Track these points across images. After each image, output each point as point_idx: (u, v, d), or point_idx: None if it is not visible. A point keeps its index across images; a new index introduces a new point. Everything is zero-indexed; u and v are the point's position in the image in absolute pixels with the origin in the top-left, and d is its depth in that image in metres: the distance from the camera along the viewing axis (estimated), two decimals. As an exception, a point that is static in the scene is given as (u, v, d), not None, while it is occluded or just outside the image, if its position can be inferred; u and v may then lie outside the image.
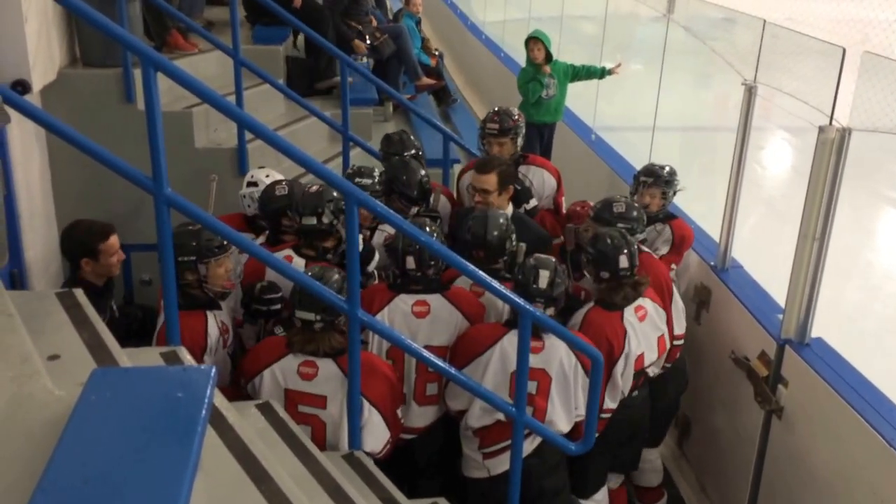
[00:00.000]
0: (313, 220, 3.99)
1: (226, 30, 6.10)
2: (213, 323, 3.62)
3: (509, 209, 4.62)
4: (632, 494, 4.91)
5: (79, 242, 4.01)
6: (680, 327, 4.48)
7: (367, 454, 3.43)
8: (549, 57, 6.98)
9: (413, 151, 4.98)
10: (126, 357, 2.39)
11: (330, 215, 3.98)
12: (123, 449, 1.48)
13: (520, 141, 5.11)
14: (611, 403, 4.03)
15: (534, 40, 6.96)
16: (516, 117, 5.12)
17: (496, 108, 5.17)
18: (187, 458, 1.47)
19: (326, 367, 3.38)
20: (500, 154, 4.97)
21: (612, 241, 3.99)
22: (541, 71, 6.92)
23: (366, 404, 3.39)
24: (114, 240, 3.99)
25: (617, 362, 3.97)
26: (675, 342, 4.44)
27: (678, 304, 4.51)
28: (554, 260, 3.84)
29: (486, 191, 4.52)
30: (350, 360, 3.22)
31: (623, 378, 4.03)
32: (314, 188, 4.05)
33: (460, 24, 13.63)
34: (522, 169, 5.10)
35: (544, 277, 3.69)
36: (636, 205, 4.50)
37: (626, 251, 3.98)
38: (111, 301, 4.20)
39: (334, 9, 7.18)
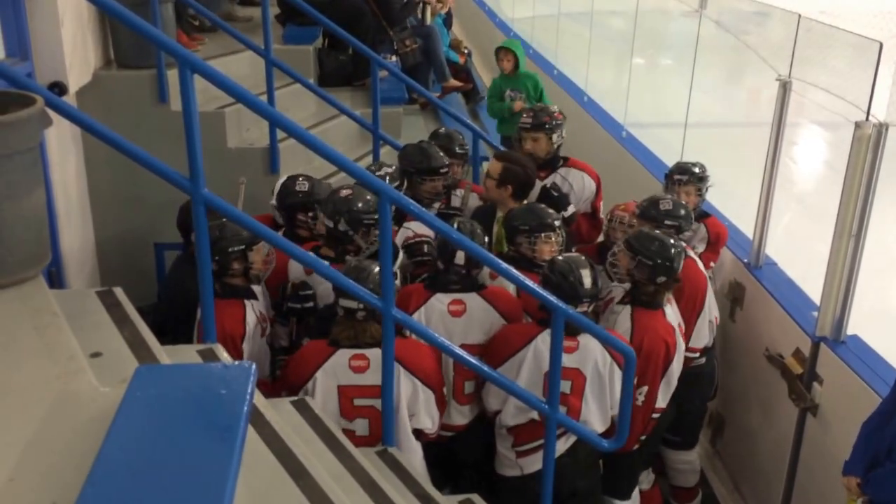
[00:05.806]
0: (331, 224, 3.95)
1: (257, 30, 6.13)
2: (251, 311, 3.69)
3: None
4: (666, 494, 4.90)
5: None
6: (699, 341, 4.39)
7: (421, 435, 3.51)
8: (517, 67, 6.80)
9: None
10: (165, 354, 2.43)
11: (345, 225, 3.91)
12: (169, 444, 1.51)
13: (556, 138, 4.94)
14: (662, 403, 4.00)
15: (504, 50, 6.77)
16: (555, 113, 5.01)
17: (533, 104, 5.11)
18: (231, 453, 1.50)
19: (377, 356, 3.35)
20: (533, 150, 4.87)
21: (674, 247, 3.88)
22: (507, 83, 6.73)
23: (417, 384, 3.43)
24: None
25: (673, 360, 3.93)
26: (690, 355, 4.31)
27: (705, 318, 4.40)
28: (588, 259, 3.80)
29: (489, 175, 4.55)
30: (384, 358, 3.22)
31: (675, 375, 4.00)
32: (345, 192, 3.98)
33: (489, 20, 13.60)
34: (562, 172, 4.98)
35: (587, 277, 3.64)
36: (682, 202, 4.46)
37: (681, 256, 3.91)
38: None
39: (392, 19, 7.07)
